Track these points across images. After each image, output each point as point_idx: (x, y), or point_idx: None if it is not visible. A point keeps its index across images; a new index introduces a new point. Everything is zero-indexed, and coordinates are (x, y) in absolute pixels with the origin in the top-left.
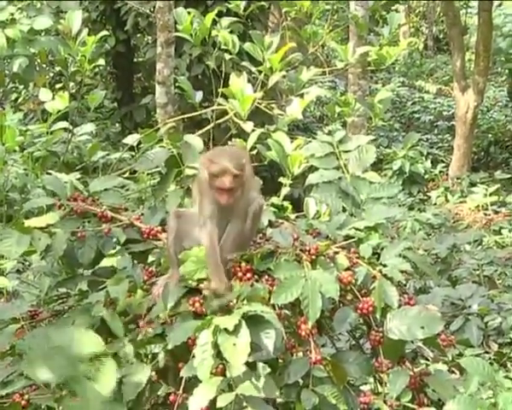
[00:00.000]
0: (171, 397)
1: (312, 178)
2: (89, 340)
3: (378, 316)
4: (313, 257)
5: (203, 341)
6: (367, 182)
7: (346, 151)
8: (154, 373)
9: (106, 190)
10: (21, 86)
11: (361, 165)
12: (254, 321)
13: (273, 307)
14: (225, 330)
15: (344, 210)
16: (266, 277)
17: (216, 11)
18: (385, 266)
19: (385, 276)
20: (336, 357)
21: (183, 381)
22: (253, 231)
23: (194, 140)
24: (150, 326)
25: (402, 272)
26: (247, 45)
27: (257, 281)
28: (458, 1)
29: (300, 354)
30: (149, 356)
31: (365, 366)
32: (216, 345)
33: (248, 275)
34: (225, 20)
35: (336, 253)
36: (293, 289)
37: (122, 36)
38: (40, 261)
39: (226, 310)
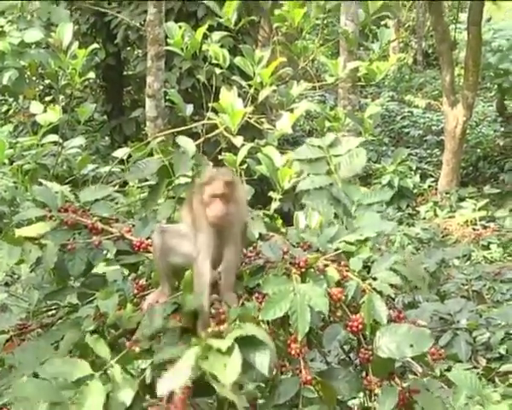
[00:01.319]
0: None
1: (303, 185)
2: (75, 368)
3: (368, 333)
4: (303, 270)
5: (189, 355)
6: (358, 188)
7: (337, 155)
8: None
9: (96, 200)
10: (11, 99)
11: (352, 169)
12: (247, 342)
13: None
14: (218, 350)
15: (335, 217)
16: (257, 294)
17: (207, 25)
18: (375, 279)
19: (374, 290)
20: (325, 374)
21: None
22: (240, 248)
23: (187, 144)
24: (137, 345)
25: (391, 285)
26: (238, 60)
27: (247, 299)
28: (448, 16)
29: (290, 372)
30: (138, 371)
31: (354, 383)
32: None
33: (239, 292)
34: (216, 35)
35: (326, 265)
36: (282, 303)
37: (112, 49)
38: (29, 274)
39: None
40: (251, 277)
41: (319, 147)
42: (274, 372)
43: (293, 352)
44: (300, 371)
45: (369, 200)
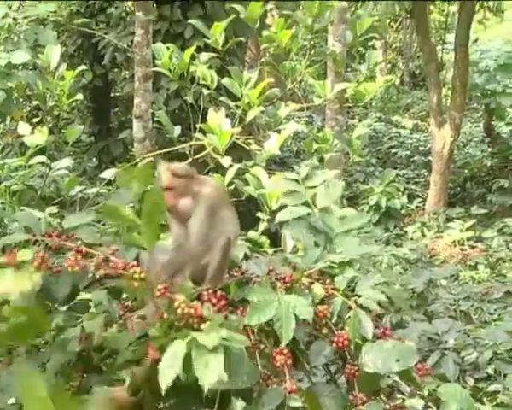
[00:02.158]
0: None
1: (282, 216)
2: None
3: (353, 348)
4: (288, 285)
5: (175, 349)
6: (335, 215)
7: (312, 187)
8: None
9: (81, 225)
10: None
11: (328, 199)
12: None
13: (248, 336)
14: (203, 346)
15: (317, 245)
16: (241, 308)
17: (194, 46)
18: (360, 296)
19: (360, 306)
20: (311, 390)
21: None
22: (223, 265)
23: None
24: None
25: (379, 304)
26: (226, 80)
27: (231, 312)
28: (435, 37)
29: (275, 385)
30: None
31: (340, 400)
32: (188, 358)
33: (222, 302)
34: (204, 56)
35: (312, 283)
36: (267, 310)
37: (99, 70)
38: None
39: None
40: (237, 289)
41: (295, 180)
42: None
43: (278, 363)
44: (285, 382)
45: (347, 226)
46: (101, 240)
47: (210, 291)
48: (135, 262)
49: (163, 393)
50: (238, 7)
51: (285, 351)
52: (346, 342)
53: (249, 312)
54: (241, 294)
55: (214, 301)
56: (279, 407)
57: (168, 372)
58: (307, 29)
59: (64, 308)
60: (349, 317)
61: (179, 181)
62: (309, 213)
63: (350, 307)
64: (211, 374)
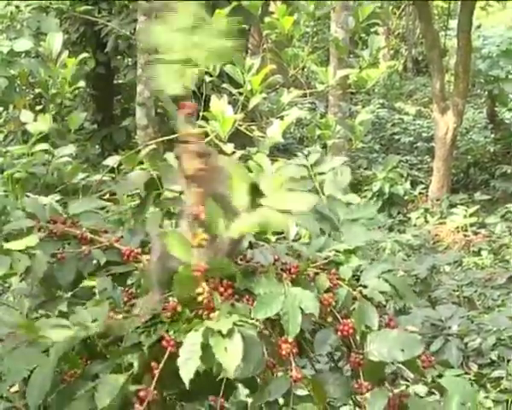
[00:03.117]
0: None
1: None
2: None
3: (358, 338)
4: (293, 276)
5: (191, 341)
6: (343, 203)
7: (321, 173)
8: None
9: (85, 211)
10: (1, 108)
11: (336, 186)
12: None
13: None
14: (219, 332)
15: (323, 233)
16: (247, 296)
17: None
18: (365, 287)
19: (365, 297)
20: (316, 378)
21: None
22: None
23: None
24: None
25: (382, 292)
26: (229, 67)
27: (237, 300)
28: (437, 23)
29: (281, 373)
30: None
31: (345, 387)
32: (204, 347)
33: (229, 291)
34: None
35: (317, 273)
36: (273, 304)
37: (102, 58)
38: (20, 283)
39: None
40: (243, 278)
41: (304, 166)
42: (264, 371)
43: (283, 352)
44: (291, 371)
45: (355, 215)
46: (105, 227)
47: (216, 280)
48: (139, 249)
49: (187, 386)
50: None
51: (290, 340)
52: (351, 331)
53: (256, 305)
54: (247, 283)
55: (221, 289)
56: (285, 395)
57: (189, 365)
58: (309, 16)
59: (68, 295)
60: (354, 308)
61: (203, 161)
62: None
63: (355, 298)
64: (233, 358)
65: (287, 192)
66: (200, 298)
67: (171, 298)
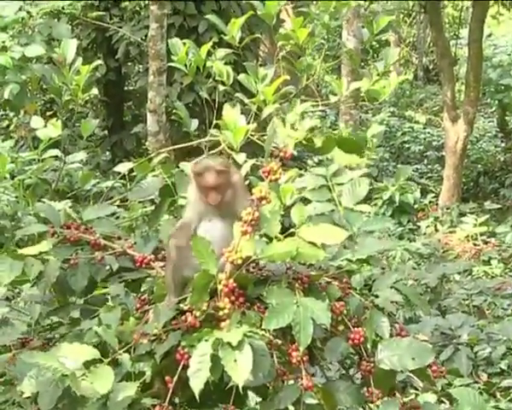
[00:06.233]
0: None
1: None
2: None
3: (369, 346)
4: (305, 285)
5: (201, 352)
6: (360, 215)
7: (339, 184)
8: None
9: (99, 218)
10: (12, 113)
11: (354, 198)
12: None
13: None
14: (228, 344)
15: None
16: (258, 304)
17: (211, 43)
18: (377, 296)
19: (376, 307)
20: (327, 386)
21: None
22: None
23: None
24: (145, 338)
25: (393, 302)
26: (242, 77)
27: (249, 308)
28: (448, 32)
29: (291, 381)
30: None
31: (356, 396)
32: (214, 358)
33: (241, 300)
34: (220, 51)
35: (329, 283)
36: (285, 314)
37: (113, 64)
38: (31, 289)
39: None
40: (254, 287)
41: (323, 176)
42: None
43: (294, 360)
44: (302, 379)
45: (370, 227)
46: (118, 233)
47: (229, 288)
48: (153, 256)
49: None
50: (256, 3)
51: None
52: (362, 339)
53: (267, 316)
54: (258, 291)
55: (233, 298)
56: (295, 404)
57: (199, 376)
58: (324, 26)
59: (81, 301)
60: (365, 317)
61: (223, 177)
62: (332, 210)
63: (366, 307)
64: (242, 371)
65: (319, 225)
66: (221, 313)
67: (188, 313)
